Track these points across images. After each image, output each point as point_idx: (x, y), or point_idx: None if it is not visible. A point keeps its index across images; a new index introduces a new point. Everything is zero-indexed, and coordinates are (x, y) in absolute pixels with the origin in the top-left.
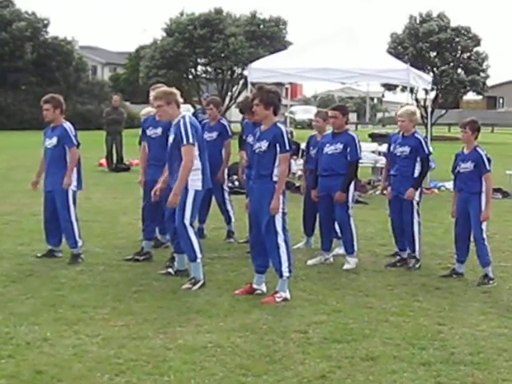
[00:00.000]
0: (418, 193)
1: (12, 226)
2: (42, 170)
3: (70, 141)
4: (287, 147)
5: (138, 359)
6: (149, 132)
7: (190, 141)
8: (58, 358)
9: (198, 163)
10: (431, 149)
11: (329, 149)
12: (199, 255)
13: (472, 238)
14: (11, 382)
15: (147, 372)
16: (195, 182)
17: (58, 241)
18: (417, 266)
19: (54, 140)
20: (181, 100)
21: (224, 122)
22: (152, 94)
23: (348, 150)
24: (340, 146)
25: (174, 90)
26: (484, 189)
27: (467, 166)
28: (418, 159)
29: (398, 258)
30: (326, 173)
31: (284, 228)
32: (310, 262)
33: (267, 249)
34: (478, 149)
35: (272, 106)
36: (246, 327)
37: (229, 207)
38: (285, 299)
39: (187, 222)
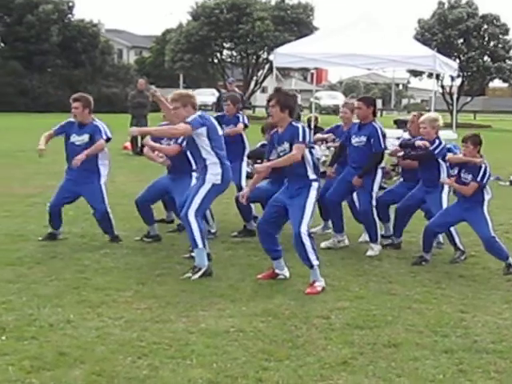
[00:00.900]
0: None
1: (36, 208)
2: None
3: (100, 134)
4: (301, 139)
5: (161, 342)
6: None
7: (192, 122)
8: (80, 340)
9: (213, 158)
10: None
11: (354, 140)
12: (200, 244)
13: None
14: (34, 363)
15: (169, 355)
16: (215, 176)
17: (59, 225)
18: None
19: (86, 137)
20: (198, 103)
21: (239, 115)
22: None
23: (372, 141)
24: (364, 139)
25: (191, 92)
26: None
27: (467, 177)
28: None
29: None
30: (354, 164)
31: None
32: (323, 245)
33: (293, 244)
34: (481, 164)
35: (288, 109)
36: (268, 312)
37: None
38: (323, 287)
39: (191, 214)
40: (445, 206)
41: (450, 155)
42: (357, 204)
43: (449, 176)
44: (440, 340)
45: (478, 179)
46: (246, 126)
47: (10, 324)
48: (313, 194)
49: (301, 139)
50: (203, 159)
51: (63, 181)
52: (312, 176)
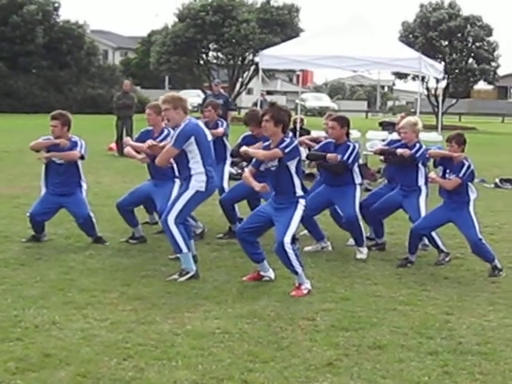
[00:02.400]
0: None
1: (22, 209)
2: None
3: (77, 148)
4: (282, 146)
5: (146, 344)
6: None
7: (175, 144)
8: (66, 341)
9: (200, 167)
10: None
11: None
12: (184, 249)
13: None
14: (20, 364)
15: (155, 357)
16: (199, 183)
17: (42, 231)
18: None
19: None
20: (189, 107)
21: (219, 121)
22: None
23: (344, 154)
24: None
25: (182, 96)
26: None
27: (451, 178)
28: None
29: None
30: (331, 182)
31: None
32: (306, 249)
33: (275, 252)
34: (464, 161)
35: (282, 124)
36: (254, 314)
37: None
38: (309, 290)
39: (171, 220)
40: (422, 210)
41: (432, 150)
42: (340, 213)
43: (427, 181)
44: (425, 342)
45: (461, 175)
46: (224, 134)
47: None
48: (300, 210)
49: (282, 146)
50: (189, 169)
51: (45, 193)
52: (299, 193)
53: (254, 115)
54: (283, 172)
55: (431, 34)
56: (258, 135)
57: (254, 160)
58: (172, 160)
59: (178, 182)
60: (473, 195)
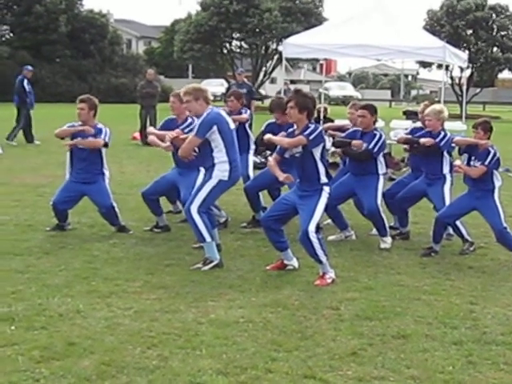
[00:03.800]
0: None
1: (46, 197)
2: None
3: (101, 135)
4: (306, 133)
5: (170, 333)
6: None
7: (198, 134)
8: (90, 330)
9: (223, 156)
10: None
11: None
12: (208, 238)
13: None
14: (44, 353)
15: (179, 346)
16: (222, 172)
17: (65, 220)
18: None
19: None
20: (211, 97)
21: (243, 110)
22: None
23: (371, 143)
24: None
25: (204, 87)
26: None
27: (476, 165)
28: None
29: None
30: (355, 171)
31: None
32: (330, 238)
33: (299, 240)
34: (490, 148)
35: (306, 111)
36: (277, 303)
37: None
38: (333, 279)
39: (194, 209)
40: (447, 198)
41: (457, 138)
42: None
43: (451, 169)
44: (449, 331)
45: (486, 162)
46: (247, 121)
47: (20, 314)
48: (324, 198)
49: (306, 133)
50: (212, 157)
51: (67, 181)
52: (324, 180)
53: (279, 102)
54: (308, 159)
55: (457, 23)
56: (282, 123)
57: (278, 147)
58: (196, 149)
59: (202, 170)
60: (498, 183)
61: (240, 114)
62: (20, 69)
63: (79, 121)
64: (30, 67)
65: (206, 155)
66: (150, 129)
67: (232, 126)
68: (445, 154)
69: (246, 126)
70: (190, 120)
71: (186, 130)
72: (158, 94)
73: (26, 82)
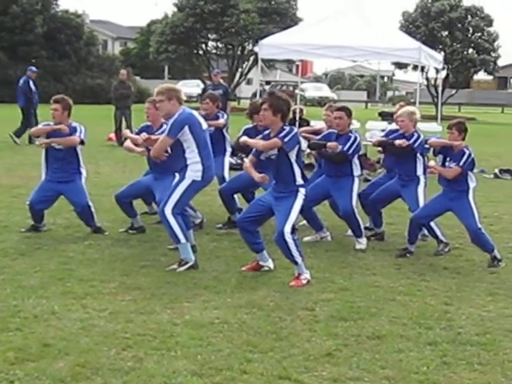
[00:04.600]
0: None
1: (21, 199)
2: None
3: (76, 133)
4: (281, 135)
5: (145, 334)
6: None
7: (170, 134)
8: (65, 331)
9: (195, 156)
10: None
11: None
12: (182, 239)
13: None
14: (19, 354)
15: (154, 347)
16: (195, 172)
17: (41, 221)
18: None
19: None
20: (184, 98)
21: (220, 114)
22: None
23: (346, 145)
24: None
25: (177, 87)
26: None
27: (451, 166)
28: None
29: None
30: (330, 173)
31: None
32: (306, 239)
33: (275, 241)
34: (465, 149)
35: (280, 113)
36: (253, 304)
37: None
38: (308, 280)
39: (168, 210)
40: (421, 200)
41: (432, 140)
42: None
43: (425, 170)
44: (424, 332)
45: (461, 163)
46: (224, 126)
47: None
48: (300, 199)
49: (281, 135)
50: (185, 158)
51: (43, 181)
52: (299, 181)
53: (258, 107)
54: (283, 161)
55: (432, 24)
56: (261, 127)
57: (254, 149)
58: (168, 149)
59: (177, 175)
60: (472, 184)
61: (217, 118)
62: (24, 70)
63: (53, 122)
64: (34, 68)
65: (178, 156)
66: (126, 131)
67: (204, 126)
68: (418, 155)
69: (223, 128)
70: (165, 127)
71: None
72: (133, 95)
73: (31, 82)
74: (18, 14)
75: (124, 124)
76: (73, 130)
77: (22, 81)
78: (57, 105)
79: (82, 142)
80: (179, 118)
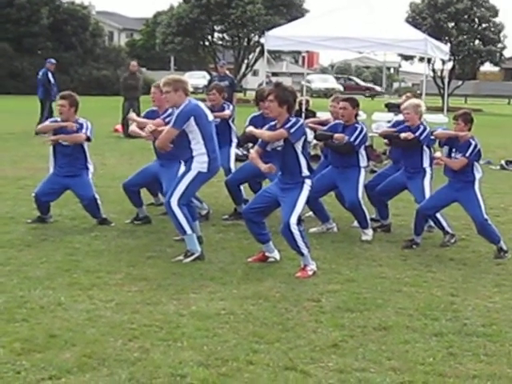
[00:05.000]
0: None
1: (27, 190)
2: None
3: (83, 129)
4: (287, 126)
5: (152, 325)
6: None
7: (175, 124)
8: (71, 322)
9: (201, 148)
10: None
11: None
12: (188, 230)
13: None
14: (25, 345)
15: (160, 338)
16: (201, 164)
17: (47, 213)
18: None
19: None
20: (190, 89)
21: (225, 105)
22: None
23: (352, 136)
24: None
25: (183, 78)
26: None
27: (457, 157)
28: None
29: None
30: (336, 164)
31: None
32: (312, 230)
33: (281, 232)
34: (471, 140)
35: (286, 105)
36: (259, 295)
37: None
38: (314, 271)
39: (174, 202)
40: (427, 192)
41: (437, 131)
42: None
43: (431, 162)
44: (430, 323)
45: (467, 154)
46: (230, 117)
47: (1, 306)
48: (306, 190)
49: (287, 127)
50: (190, 149)
51: (51, 174)
52: (305, 173)
53: (264, 93)
54: (289, 152)
55: (439, 15)
56: (268, 115)
57: (260, 140)
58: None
59: (183, 165)
60: (478, 175)
61: (223, 109)
62: (43, 62)
63: (60, 118)
64: (53, 60)
65: (183, 147)
66: (132, 115)
67: (210, 117)
68: (424, 147)
69: (229, 119)
70: (170, 110)
71: (167, 120)
72: (141, 86)
73: (49, 74)
74: (24, 5)
75: None
76: (79, 127)
77: (41, 73)
78: (64, 101)
79: (88, 139)
80: (185, 109)
